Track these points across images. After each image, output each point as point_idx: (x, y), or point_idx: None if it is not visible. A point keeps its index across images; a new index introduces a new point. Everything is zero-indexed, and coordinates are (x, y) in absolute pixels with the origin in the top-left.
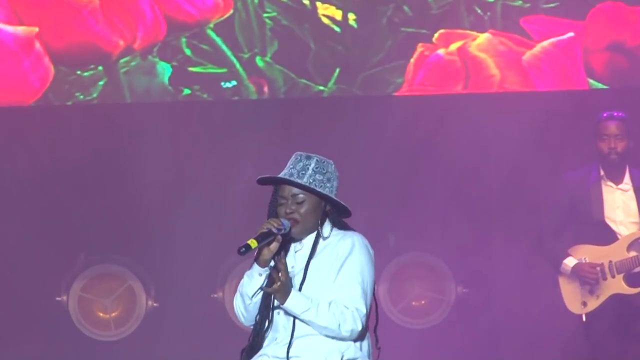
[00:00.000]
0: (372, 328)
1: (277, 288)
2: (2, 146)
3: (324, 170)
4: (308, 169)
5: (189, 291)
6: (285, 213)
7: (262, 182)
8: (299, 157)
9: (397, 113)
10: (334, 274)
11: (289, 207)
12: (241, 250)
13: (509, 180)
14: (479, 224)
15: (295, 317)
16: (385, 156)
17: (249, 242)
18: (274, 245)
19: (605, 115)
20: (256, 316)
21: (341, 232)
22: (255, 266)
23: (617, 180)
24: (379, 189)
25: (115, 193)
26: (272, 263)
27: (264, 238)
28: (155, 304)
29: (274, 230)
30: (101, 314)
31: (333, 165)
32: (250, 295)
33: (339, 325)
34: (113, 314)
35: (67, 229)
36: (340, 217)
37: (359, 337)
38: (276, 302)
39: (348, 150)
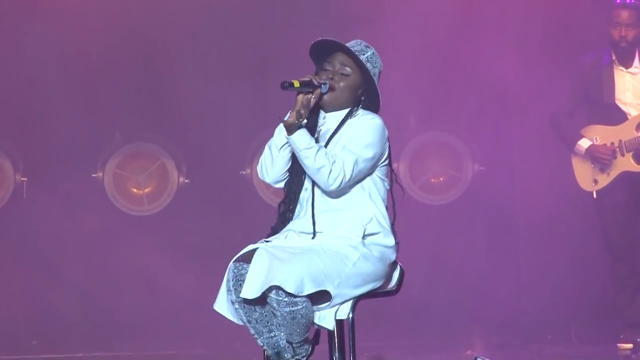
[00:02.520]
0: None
1: (292, 120)
2: (36, 26)
3: (375, 63)
4: (364, 54)
5: (218, 168)
6: (327, 77)
7: (317, 47)
8: (359, 42)
9: None
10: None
11: (332, 74)
12: (284, 85)
13: (524, 64)
14: (496, 103)
15: (311, 197)
16: (404, 38)
17: (292, 81)
18: (311, 101)
19: (618, 2)
20: (286, 184)
21: (366, 112)
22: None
23: (628, 64)
24: (399, 70)
25: (149, 73)
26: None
27: (304, 86)
28: (186, 181)
29: (315, 82)
30: (135, 190)
31: (382, 67)
32: (279, 147)
33: (328, 172)
34: (146, 190)
35: (103, 108)
36: (369, 109)
37: (374, 213)
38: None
39: (370, 33)
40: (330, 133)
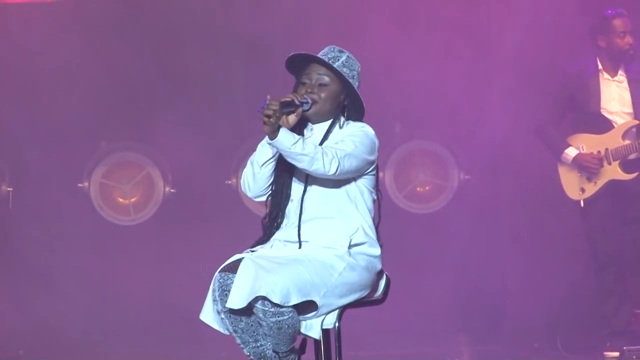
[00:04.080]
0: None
1: (269, 122)
2: (22, 37)
3: (352, 67)
4: (339, 59)
5: (204, 178)
6: (306, 92)
7: (292, 60)
8: (333, 49)
9: None
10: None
11: (311, 87)
12: (262, 110)
13: (509, 72)
14: (482, 112)
15: (302, 196)
16: (389, 46)
17: (272, 101)
18: (292, 119)
19: (610, 12)
20: (271, 198)
21: (356, 122)
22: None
23: (613, 72)
24: (385, 79)
25: (134, 82)
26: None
27: (286, 106)
28: (172, 190)
29: (296, 102)
30: (121, 200)
31: (359, 68)
32: (261, 164)
33: (320, 160)
34: (132, 200)
35: (88, 118)
36: (354, 114)
37: (361, 223)
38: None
39: (351, 38)
40: (318, 142)
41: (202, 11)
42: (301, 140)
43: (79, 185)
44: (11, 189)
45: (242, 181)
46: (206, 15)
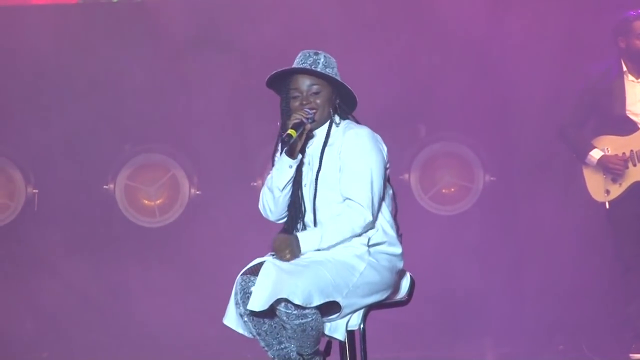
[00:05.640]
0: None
1: (289, 256)
2: (51, 42)
3: (332, 64)
4: (319, 63)
5: (229, 179)
6: (301, 104)
7: (273, 79)
8: (308, 54)
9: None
10: (344, 166)
11: (305, 99)
12: (285, 140)
13: (535, 74)
14: (507, 114)
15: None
16: (415, 49)
17: (289, 132)
18: (303, 137)
19: (637, 13)
20: (287, 216)
21: (350, 123)
22: (285, 158)
23: (637, 74)
24: (409, 80)
25: (159, 84)
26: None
27: (298, 127)
28: (197, 192)
29: (304, 120)
30: (146, 202)
31: (336, 60)
32: (281, 188)
33: (352, 227)
34: (157, 202)
35: (114, 119)
36: (347, 110)
37: (380, 222)
38: (305, 194)
39: (370, 43)
40: (320, 147)
41: (222, 17)
42: (320, 233)
43: (104, 187)
44: (37, 191)
45: (261, 207)
46: (231, 16)
